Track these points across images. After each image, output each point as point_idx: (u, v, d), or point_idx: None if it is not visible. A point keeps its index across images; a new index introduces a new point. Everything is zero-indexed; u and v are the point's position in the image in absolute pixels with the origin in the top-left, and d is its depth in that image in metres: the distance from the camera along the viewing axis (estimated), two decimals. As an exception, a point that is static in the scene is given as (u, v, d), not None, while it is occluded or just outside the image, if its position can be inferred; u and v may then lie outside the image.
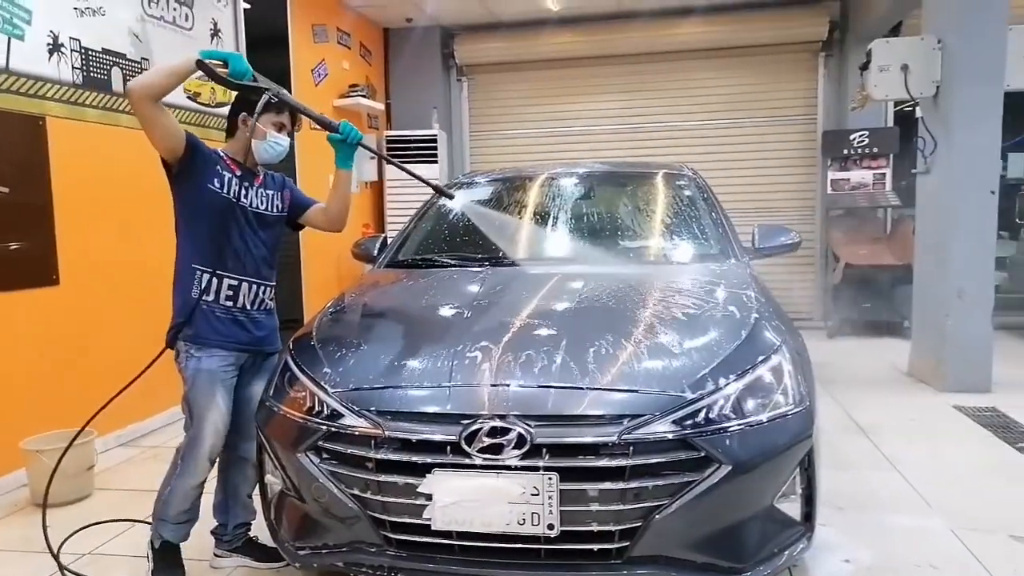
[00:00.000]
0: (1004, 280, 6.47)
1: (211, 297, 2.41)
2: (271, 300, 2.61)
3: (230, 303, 2.44)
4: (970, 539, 2.67)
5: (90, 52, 3.84)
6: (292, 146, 2.58)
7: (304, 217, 2.69)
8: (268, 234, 2.55)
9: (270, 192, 2.55)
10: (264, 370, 2.56)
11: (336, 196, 2.64)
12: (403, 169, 2.78)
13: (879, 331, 6.62)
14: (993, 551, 2.57)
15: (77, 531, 2.89)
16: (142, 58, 4.21)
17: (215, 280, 2.40)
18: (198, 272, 2.40)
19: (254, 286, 2.51)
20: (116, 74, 4.02)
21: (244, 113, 2.43)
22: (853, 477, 3.27)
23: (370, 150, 2.73)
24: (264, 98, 2.34)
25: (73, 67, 3.74)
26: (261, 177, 2.54)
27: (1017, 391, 4.61)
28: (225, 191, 2.40)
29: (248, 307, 2.49)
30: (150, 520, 2.53)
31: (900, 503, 3.02)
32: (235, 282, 2.45)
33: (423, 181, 2.82)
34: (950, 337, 4.64)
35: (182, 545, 2.53)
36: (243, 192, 2.43)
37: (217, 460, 2.51)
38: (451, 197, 2.94)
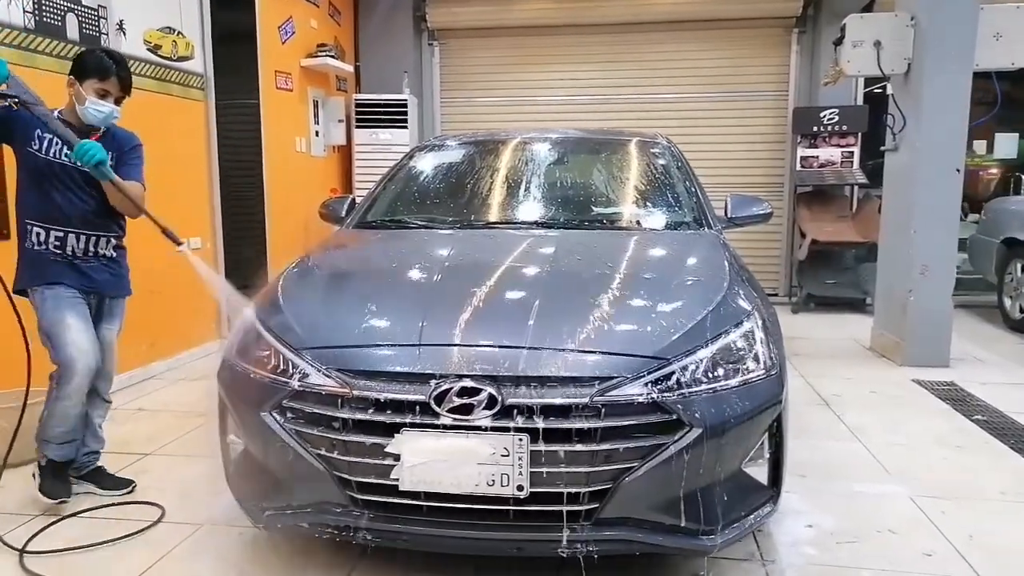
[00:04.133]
0: (963, 261, 6.62)
1: (43, 247, 2.62)
2: (111, 249, 2.75)
3: (59, 252, 2.63)
4: (927, 505, 2.73)
5: (43, -4, 3.66)
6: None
7: None
8: (98, 189, 2.63)
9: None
10: (111, 314, 2.81)
11: (109, 199, 2.67)
12: (133, 202, 2.62)
13: (842, 307, 6.73)
14: (949, 517, 2.63)
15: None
16: (99, 5, 4.02)
17: (43, 232, 2.62)
18: (29, 225, 2.63)
19: (82, 237, 2.66)
20: (71, 20, 3.83)
21: (71, 76, 2.60)
22: (816, 446, 3.32)
23: (106, 177, 2.53)
24: (12, 101, 2.46)
25: (24, 10, 3.55)
26: (99, 135, 2.63)
27: (974, 366, 4.73)
28: (44, 152, 2.57)
29: (80, 255, 2.66)
30: None
31: (861, 471, 3.07)
32: (61, 234, 2.63)
33: (153, 220, 2.62)
34: (912, 313, 4.73)
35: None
36: (65, 151, 2.56)
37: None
38: (179, 243, 2.64)
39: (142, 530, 2.55)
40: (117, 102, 2.65)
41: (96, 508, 2.74)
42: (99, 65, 2.59)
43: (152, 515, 2.65)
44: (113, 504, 2.77)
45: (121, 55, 2.76)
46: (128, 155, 2.72)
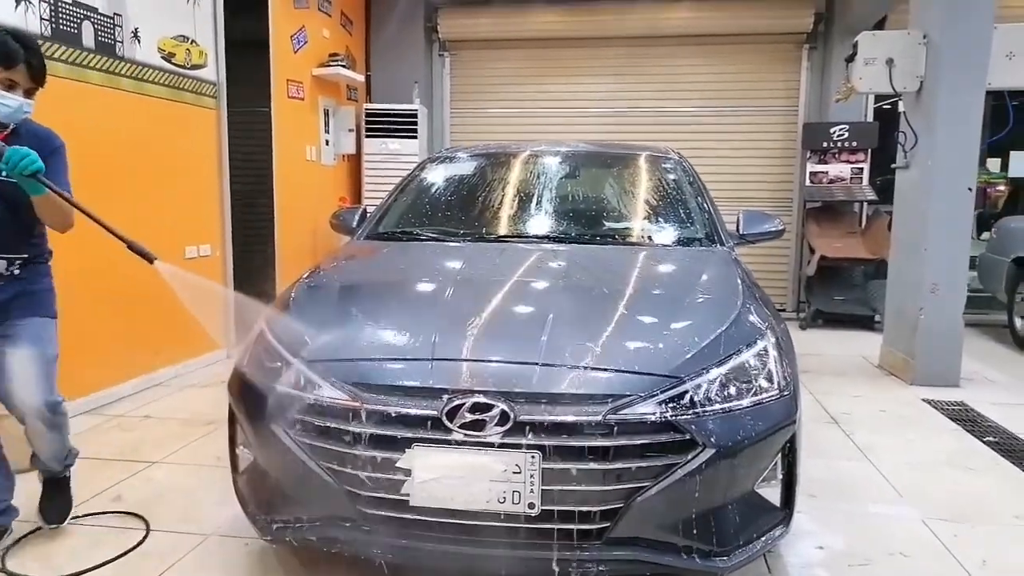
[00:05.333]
0: (972, 279, 6.59)
1: None
2: (15, 268, 2.35)
3: None
4: (939, 528, 2.70)
5: (60, 3, 3.68)
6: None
7: None
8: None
9: None
10: (15, 337, 2.34)
11: (40, 215, 2.32)
12: (97, 221, 2.24)
13: (851, 324, 6.70)
14: (962, 539, 2.61)
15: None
16: (115, 13, 4.04)
17: None
18: None
19: None
20: (87, 28, 3.86)
21: None
22: (825, 465, 3.29)
23: (44, 184, 2.18)
24: None
25: (41, 18, 3.58)
26: (5, 134, 2.23)
27: (984, 386, 4.69)
28: None
29: None
30: None
31: (872, 492, 3.04)
32: None
33: (119, 237, 2.27)
34: (921, 331, 4.70)
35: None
36: None
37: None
38: (151, 260, 2.29)
39: (132, 548, 2.48)
40: (28, 94, 2.24)
41: (78, 518, 2.68)
42: (2, 50, 2.15)
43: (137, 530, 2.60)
44: (94, 513, 2.72)
45: (31, 37, 2.32)
46: (50, 159, 2.23)
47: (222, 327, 4.55)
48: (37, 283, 2.43)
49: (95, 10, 3.91)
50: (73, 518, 2.65)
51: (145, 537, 2.56)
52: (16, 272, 2.36)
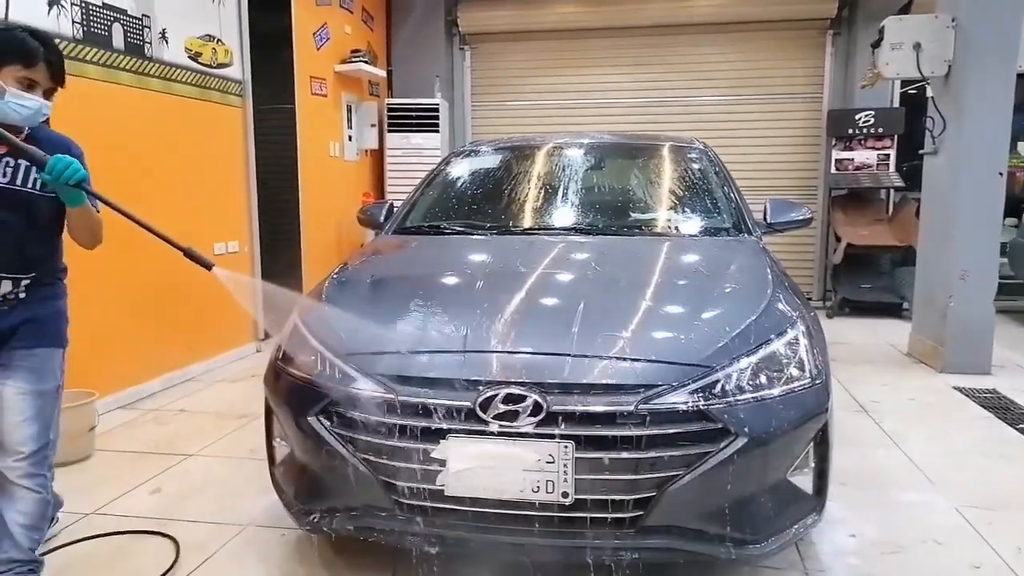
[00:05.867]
0: (1003, 265, 6.48)
1: None
2: (21, 291, 2.10)
3: None
4: (973, 516, 2.68)
5: (91, 6, 3.74)
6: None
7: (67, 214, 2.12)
8: (11, 215, 2.02)
9: (21, 163, 2.03)
10: (16, 368, 2.08)
11: (72, 229, 2.15)
12: (150, 230, 2.10)
13: (878, 312, 6.63)
14: (996, 527, 2.59)
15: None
16: (143, 14, 4.11)
17: None
18: None
19: None
20: (117, 30, 3.92)
21: None
22: (855, 453, 3.28)
23: (94, 196, 2.06)
24: None
25: (73, 21, 3.65)
26: (21, 137, 2.02)
27: (1016, 374, 4.63)
28: None
29: None
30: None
31: (903, 480, 3.03)
32: None
33: (175, 245, 2.11)
34: (952, 318, 4.65)
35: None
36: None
37: None
38: (209, 267, 2.15)
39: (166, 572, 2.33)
40: (47, 95, 2.05)
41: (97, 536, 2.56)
42: (22, 48, 1.99)
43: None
44: (114, 533, 2.58)
45: (48, 35, 2.10)
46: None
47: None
48: (45, 307, 2.16)
49: (124, 12, 3.97)
50: (96, 536, 2.52)
51: (176, 560, 2.40)
52: (22, 295, 2.10)
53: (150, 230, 2.09)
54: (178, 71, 4.40)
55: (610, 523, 1.94)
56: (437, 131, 7.14)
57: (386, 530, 2.05)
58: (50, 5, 3.51)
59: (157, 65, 4.23)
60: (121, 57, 3.95)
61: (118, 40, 3.93)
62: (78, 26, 3.67)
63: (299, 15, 5.80)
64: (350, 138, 6.81)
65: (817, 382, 2.09)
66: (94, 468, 3.19)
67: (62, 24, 3.58)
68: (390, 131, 7.21)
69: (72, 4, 3.63)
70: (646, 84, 7.40)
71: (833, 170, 6.83)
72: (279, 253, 5.76)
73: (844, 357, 5.08)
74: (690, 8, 7.10)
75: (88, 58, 3.74)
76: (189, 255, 2.10)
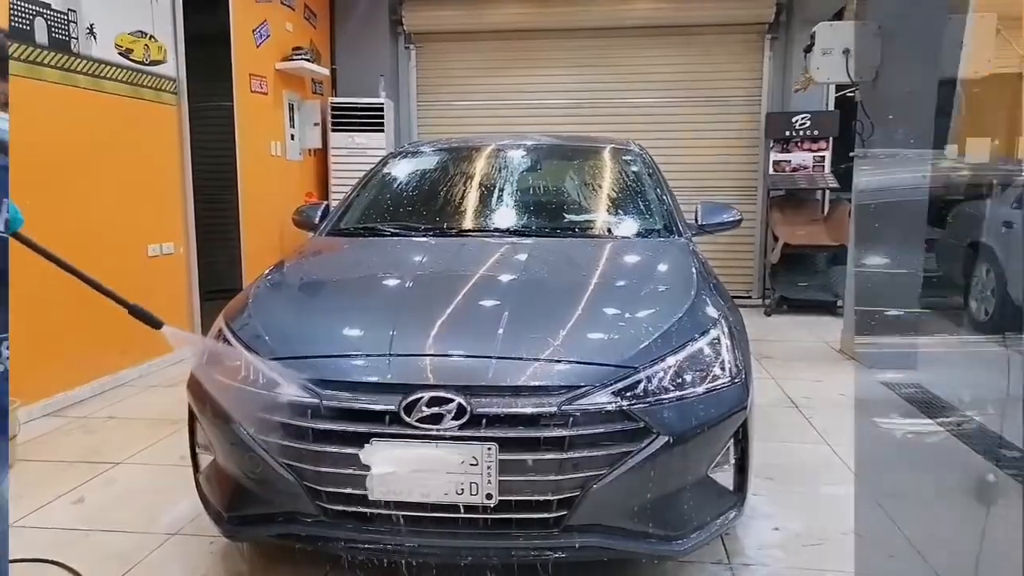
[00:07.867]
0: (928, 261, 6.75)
1: None
2: None
3: None
4: (892, 507, 2.78)
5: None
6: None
7: None
8: None
9: None
10: None
11: None
12: (91, 283, 2.09)
13: (814, 309, 6.82)
14: (913, 518, 2.69)
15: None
16: (69, 9, 3.97)
17: None
18: None
19: None
20: (40, 24, 3.79)
21: None
22: (784, 449, 3.37)
23: (32, 246, 1.97)
24: None
25: (-8, 15, 3.52)
26: None
27: (940, 369, 4.82)
28: None
29: None
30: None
31: (828, 474, 3.13)
32: None
33: (119, 301, 2.13)
34: (879, 316, 4.81)
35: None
36: None
37: None
38: (158, 326, 2.15)
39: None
40: None
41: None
42: None
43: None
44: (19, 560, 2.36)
45: None
46: None
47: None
48: None
49: (48, 6, 3.84)
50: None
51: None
52: None
53: (93, 285, 2.00)
54: (108, 68, 4.27)
55: (535, 523, 1.95)
56: (382, 131, 7.09)
57: (313, 537, 2.03)
58: (-34, -2, 3.38)
59: (85, 62, 4.10)
60: (45, 53, 3.82)
61: (41, 35, 3.80)
62: (-3, 20, 3.54)
63: (237, 11, 5.69)
64: (293, 137, 6.72)
65: (737, 381, 2.14)
66: (13, 479, 3.07)
67: (-21, 18, 3.45)
68: (334, 130, 7.13)
69: (-10, -3, 3.50)
70: (589, 86, 7.47)
71: (771, 171, 7.00)
72: (217, 255, 5.64)
73: (779, 354, 5.21)
74: (632, 11, 7.20)
75: (8, 54, 3.60)
76: (135, 313, 2.02)
